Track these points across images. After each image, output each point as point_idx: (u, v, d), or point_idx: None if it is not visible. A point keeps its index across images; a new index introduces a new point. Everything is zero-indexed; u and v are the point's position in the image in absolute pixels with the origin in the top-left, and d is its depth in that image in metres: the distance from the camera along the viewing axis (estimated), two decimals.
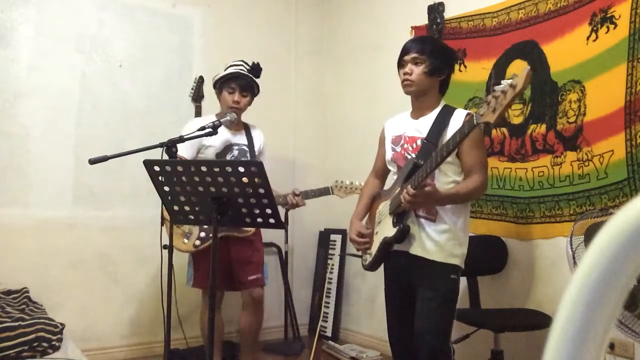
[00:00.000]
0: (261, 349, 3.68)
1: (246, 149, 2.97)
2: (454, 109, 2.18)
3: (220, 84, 2.94)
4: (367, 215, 2.40)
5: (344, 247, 3.99)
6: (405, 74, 2.16)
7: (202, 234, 2.86)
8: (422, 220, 2.12)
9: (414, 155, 2.14)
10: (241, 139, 2.99)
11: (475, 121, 1.76)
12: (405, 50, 2.19)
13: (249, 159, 2.94)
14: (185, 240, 2.88)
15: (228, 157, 2.92)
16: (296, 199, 2.90)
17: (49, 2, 3.35)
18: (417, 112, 2.24)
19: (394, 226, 2.11)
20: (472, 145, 2.09)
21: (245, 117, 3.07)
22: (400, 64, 2.21)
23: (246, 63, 2.98)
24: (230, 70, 2.95)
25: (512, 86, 1.61)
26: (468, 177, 2.11)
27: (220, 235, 2.78)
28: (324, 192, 2.99)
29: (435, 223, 2.11)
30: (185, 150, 2.83)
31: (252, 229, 2.90)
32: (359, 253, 2.38)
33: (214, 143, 2.88)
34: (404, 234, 2.09)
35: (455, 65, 2.41)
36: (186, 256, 3.01)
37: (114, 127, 3.50)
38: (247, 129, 3.05)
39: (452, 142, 1.87)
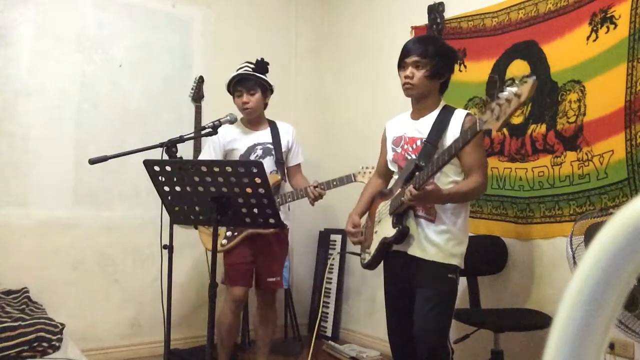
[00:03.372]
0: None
1: (271, 146, 2.95)
2: (454, 109, 2.18)
3: (232, 90, 2.94)
4: (366, 213, 2.40)
5: (344, 247, 3.99)
6: (406, 77, 2.14)
7: (229, 233, 2.87)
8: (422, 221, 2.12)
9: (414, 156, 2.14)
10: (265, 137, 2.96)
11: (478, 127, 1.76)
12: (406, 52, 2.16)
13: (274, 157, 2.92)
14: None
15: (252, 158, 2.90)
16: (317, 191, 2.83)
17: (49, 2, 3.35)
18: (417, 112, 2.24)
19: (394, 227, 2.11)
20: (473, 147, 2.08)
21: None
22: (401, 65, 2.18)
23: (251, 63, 2.97)
24: (234, 74, 2.93)
25: (516, 95, 1.61)
26: (468, 177, 2.11)
27: (245, 233, 2.85)
28: (347, 180, 2.88)
29: (435, 223, 2.11)
30: (210, 157, 2.86)
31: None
32: (358, 251, 2.38)
33: (239, 146, 2.89)
34: (403, 235, 2.09)
35: (455, 66, 2.40)
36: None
37: (114, 127, 3.50)
38: (272, 125, 3.02)
39: (455, 147, 1.87)
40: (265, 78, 2.94)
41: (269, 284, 2.94)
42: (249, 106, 2.88)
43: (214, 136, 2.54)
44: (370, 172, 2.86)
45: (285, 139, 3.00)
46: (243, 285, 2.88)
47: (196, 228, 2.96)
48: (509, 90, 1.63)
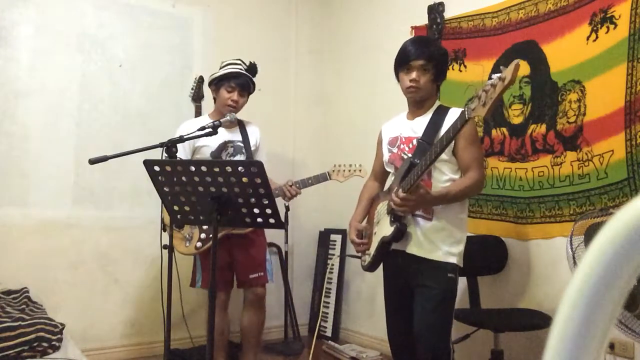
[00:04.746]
0: (262, 348, 3.68)
1: (241, 144, 2.96)
2: (449, 108, 2.19)
3: (218, 82, 2.93)
4: (366, 218, 2.40)
5: (344, 247, 3.99)
6: (412, 80, 2.13)
7: (203, 235, 2.86)
8: (419, 219, 2.13)
9: (409, 156, 2.14)
10: (236, 136, 2.98)
11: (467, 115, 1.77)
12: (410, 55, 2.13)
13: (245, 155, 2.93)
14: (187, 244, 2.89)
15: (223, 155, 2.91)
16: (292, 189, 2.87)
17: (48, 2, 3.35)
18: (413, 113, 2.25)
19: (391, 225, 2.11)
20: (468, 143, 2.09)
21: (245, 116, 3.07)
22: (405, 68, 2.15)
23: (243, 62, 2.98)
24: (229, 68, 2.93)
25: (501, 79, 1.62)
26: (464, 174, 2.12)
27: (220, 234, 2.79)
28: (322, 178, 2.94)
29: (432, 221, 2.11)
30: (180, 153, 2.82)
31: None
32: (359, 254, 2.38)
33: (209, 143, 2.87)
34: (400, 233, 2.09)
35: (455, 66, 2.40)
36: (190, 257, 3.01)
37: (114, 127, 3.50)
38: (241, 125, 3.03)
39: (446, 138, 1.87)
40: (254, 82, 2.98)
41: (252, 280, 2.91)
42: (238, 106, 2.91)
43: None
44: (344, 170, 2.95)
45: (253, 139, 3.02)
46: (222, 290, 2.87)
47: (164, 230, 2.85)
48: (494, 77, 1.65)
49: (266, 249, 3.05)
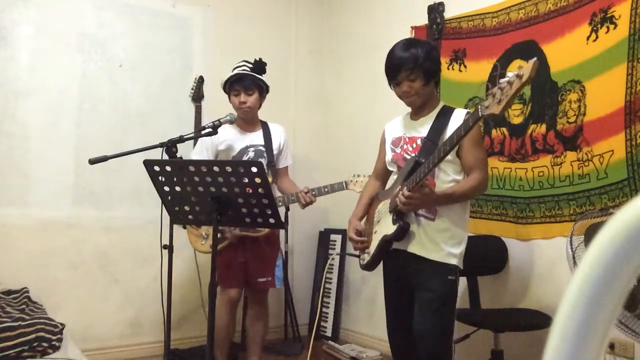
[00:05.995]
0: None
1: (263, 149, 2.95)
2: (453, 109, 2.18)
3: (228, 89, 2.94)
4: (365, 216, 2.40)
5: (344, 247, 3.99)
6: (404, 93, 2.13)
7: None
8: (421, 219, 2.12)
9: (413, 155, 2.14)
10: (257, 139, 2.97)
11: (480, 113, 1.75)
12: (393, 69, 2.11)
13: (266, 159, 2.93)
14: (203, 242, 2.94)
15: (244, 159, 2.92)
16: (307, 196, 2.86)
17: (48, 2, 3.35)
18: (417, 113, 2.24)
19: (394, 224, 2.11)
20: (472, 144, 2.09)
21: None
22: (395, 81, 2.14)
23: (249, 62, 2.98)
24: (232, 73, 2.94)
25: (518, 77, 1.60)
26: (468, 176, 2.11)
27: (238, 234, 2.86)
28: (338, 187, 2.92)
29: (434, 221, 2.11)
30: (201, 157, 2.85)
31: (266, 230, 2.90)
32: (357, 253, 2.38)
33: (231, 147, 2.90)
34: (403, 231, 2.09)
35: (455, 66, 2.39)
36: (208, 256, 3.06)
37: (114, 127, 3.50)
38: (265, 127, 3.03)
39: (456, 135, 1.86)
40: (262, 78, 2.94)
41: (260, 284, 2.96)
42: (247, 106, 2.89)
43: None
44: (362, 181, 2.90)
45: (276, 141, 3.02)
46: (237, 287, 2.91)
47: (184, 228, 2.96)
48: (511, 74, 1.63)
49: (278, 254, 3.08)
